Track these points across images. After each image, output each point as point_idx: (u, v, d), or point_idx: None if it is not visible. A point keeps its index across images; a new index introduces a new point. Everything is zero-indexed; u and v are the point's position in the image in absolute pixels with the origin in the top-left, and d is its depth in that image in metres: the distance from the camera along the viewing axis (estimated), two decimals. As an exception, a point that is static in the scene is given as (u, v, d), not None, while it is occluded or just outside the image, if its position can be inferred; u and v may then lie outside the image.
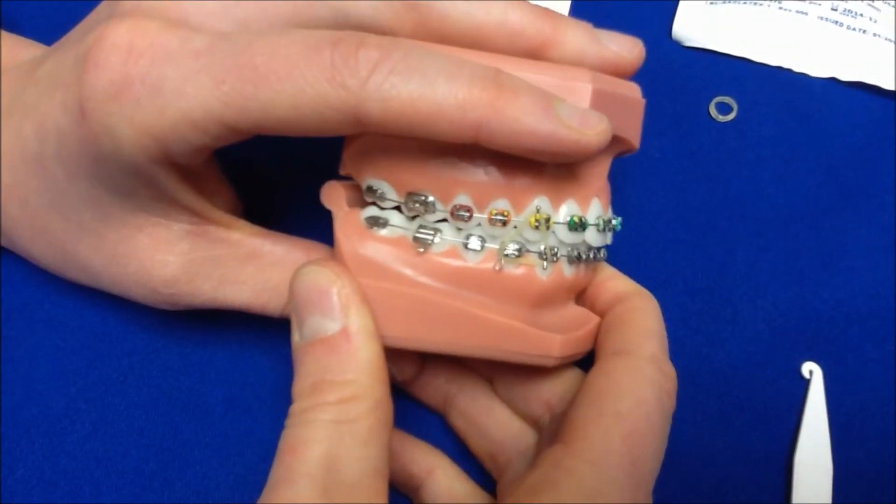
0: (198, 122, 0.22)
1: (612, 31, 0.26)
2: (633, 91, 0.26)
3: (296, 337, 0.24)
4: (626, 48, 0.26)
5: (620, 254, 0.33)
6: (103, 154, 0.23)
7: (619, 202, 0.28)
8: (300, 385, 0.23)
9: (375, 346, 0.23)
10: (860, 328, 0.34)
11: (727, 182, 0.37)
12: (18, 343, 0.32)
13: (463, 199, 0.24)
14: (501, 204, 0.24)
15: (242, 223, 0.28)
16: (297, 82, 0.21)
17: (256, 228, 0.28)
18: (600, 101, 0.24)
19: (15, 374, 0.32)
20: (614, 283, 0.29)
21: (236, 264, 0.27)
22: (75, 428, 0.31)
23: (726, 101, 0.38)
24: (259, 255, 0.27)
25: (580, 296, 0.29)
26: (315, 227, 0.32)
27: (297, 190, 0.34)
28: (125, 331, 0.33)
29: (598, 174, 0.27)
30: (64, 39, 0.27)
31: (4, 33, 0.30)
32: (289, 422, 0.23)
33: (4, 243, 0.30)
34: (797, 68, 0.39)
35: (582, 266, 0.27)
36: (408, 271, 0.25)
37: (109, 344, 0.32)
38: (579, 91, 0.24)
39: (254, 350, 0.31)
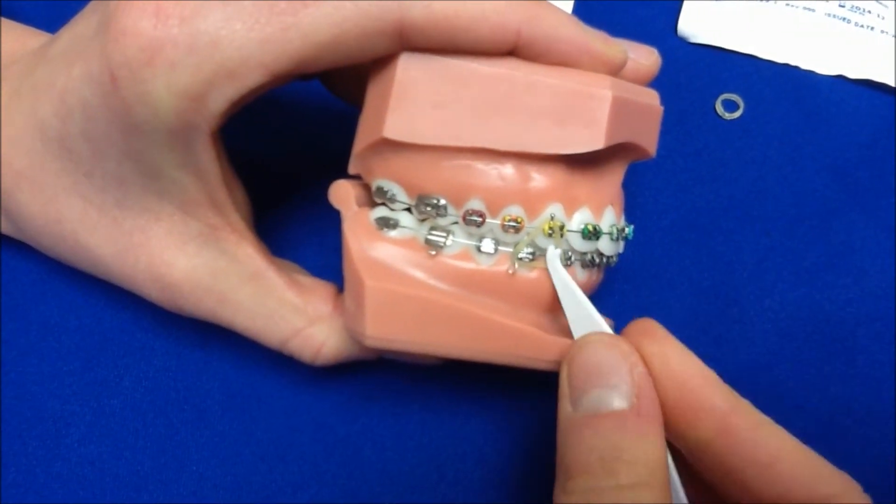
0: (235, 70, 0.22)
1: (627, 39, 0.26)
2: (652, 98, 0.26)
3: (568, 408, 0.22)
4: (642, 56, 0.26)
5: (625, 254, 0.32)
6: (137, 124, 0.23)
7: (624, 201, 0.28)
8: (583, 458, 0.22)
9: (662, 433, 0.22)
10: (868, 329, 0.34)
11: (733, 181, 0.36)
12: (13, 344, 0.32)
13: (476, 204, 0.24)
14: (515, 210, 0.24)
15: (253, 238, 0.27)
16: None
17: (264, 248, 0.28)
18: (619, 109, 0.23)
19: (10, 376, 0.31)
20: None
21: (236, 281, 0.27)
22: (70, 431, 0.31)
23: (733, 99, 0.38)
24: (259, 279, 0.27)
25: None
26: (323, 226, 0.32)
27: (305, 188, 0.34)
28: (121, 332, 0.32)
29: (613, 181, 0.26)
30: (78, 16, 0.26)
31: (12, 22, 0.29)
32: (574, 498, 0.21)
33: (6, 230, 0.29)
34: (804, 65, 0.38)
35: (594, 270, 0.26)
36: (419, 274, 0.24)
37: (105, 345, 0.32)
38: (599, 98, 0.23)
39: (251, 350, 0.31)
